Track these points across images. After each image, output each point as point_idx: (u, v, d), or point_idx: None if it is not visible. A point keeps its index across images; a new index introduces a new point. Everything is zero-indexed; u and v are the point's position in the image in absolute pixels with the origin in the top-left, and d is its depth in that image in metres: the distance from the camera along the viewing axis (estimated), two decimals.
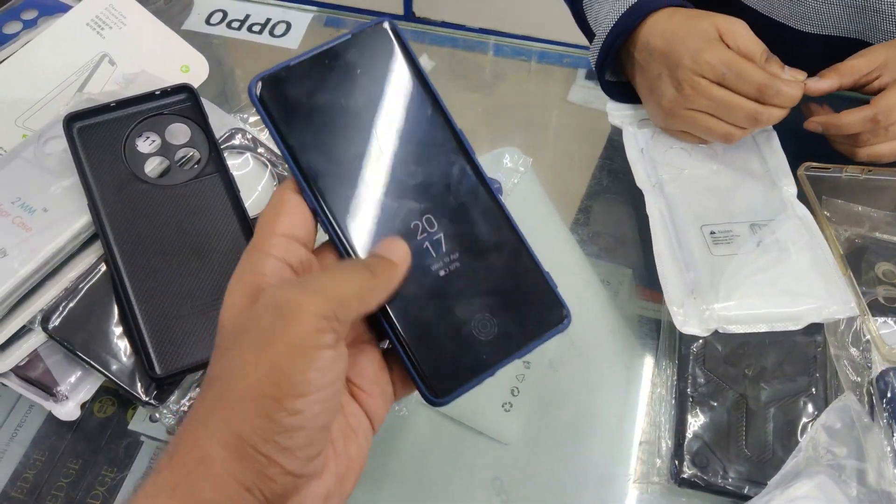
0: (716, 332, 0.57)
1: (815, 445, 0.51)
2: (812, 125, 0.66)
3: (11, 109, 0.71)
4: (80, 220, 0.58)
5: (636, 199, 0.69)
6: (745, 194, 0.66)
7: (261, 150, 0.67)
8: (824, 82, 0.63)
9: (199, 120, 0.62)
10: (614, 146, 0.75)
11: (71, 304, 0.55)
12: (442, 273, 0.37)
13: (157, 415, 0.55)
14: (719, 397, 0.55)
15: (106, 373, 0.54)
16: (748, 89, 0.62)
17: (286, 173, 0.66)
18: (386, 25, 0.39)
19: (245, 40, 0.87)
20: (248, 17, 0.89)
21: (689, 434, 0.53)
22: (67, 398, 0.55)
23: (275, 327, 0.31)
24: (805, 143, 0.68)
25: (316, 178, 0.37)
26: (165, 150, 0.61)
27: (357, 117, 0.38)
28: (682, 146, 0.69)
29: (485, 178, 0.39)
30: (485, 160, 0.72)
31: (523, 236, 0.39)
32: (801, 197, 0.66)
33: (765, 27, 0.63)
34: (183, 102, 0.63)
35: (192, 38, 0.79)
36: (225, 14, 0.89)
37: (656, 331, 0.62)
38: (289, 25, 0.88)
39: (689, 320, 0.58)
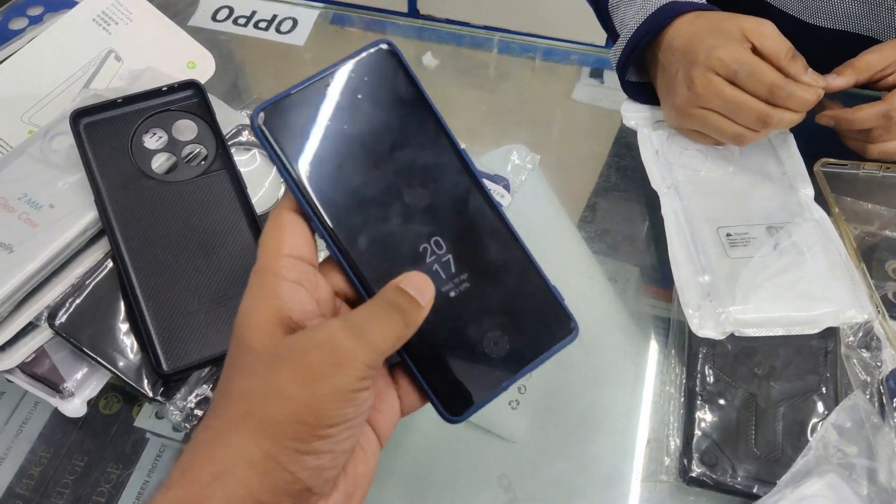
0: None
1: (825, 444, 0.51)
2: (824, 119, 0.65)
3: (17, 105, 0.70)
4: (87, 216, 0.57)
5: (644, 198, 0.69)
6: (761, 196, 0.65)
7: None
8: (841, 79, 0.62)
9: (206, 116, 0.62)
10: (623, 144, 0.75)
11: (77, 301, 0.55)
12: (452, 294, 0.38)
13: (164, 411, 0.55)
14: (728, 395, 0.54)
15: (112, 369, 0.54)
16: (760, 89, 0.61)
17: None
18: (384, 47, 0.39)
19: (251, 37, 0.87)
20: (254, 13, 0.89)
21: (697, 432, 0.53)
22: (74, 395, 0.55)
23: (325, 368, 0.32)
24: (818, 143, 0.68)
25: (322, 205, 0.37)
26: (172, 146, 0.61)
27: (360, 142, 0.38)
28: (697, 148, 0.69)
29: (490, 197, 0.40)
30: (492, 157, 0.71)
31: (530, 252, 0.39)
32: (818, 199, 0.65)
33: (777, 21, 0.63)
34: (190, 98, 0.62)
35: (199, 34, 0.79)
36: (231, 10, 0.89)
37: (664, 328, 0.61)
38: (295, 22, 0.88)
39: (706, 323, 0.57)
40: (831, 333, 0.57)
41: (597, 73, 0.86)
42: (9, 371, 0.54)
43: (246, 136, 0.67)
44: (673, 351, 0.59)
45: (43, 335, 0.55)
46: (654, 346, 0.61)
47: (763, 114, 0.61)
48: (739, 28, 0.62)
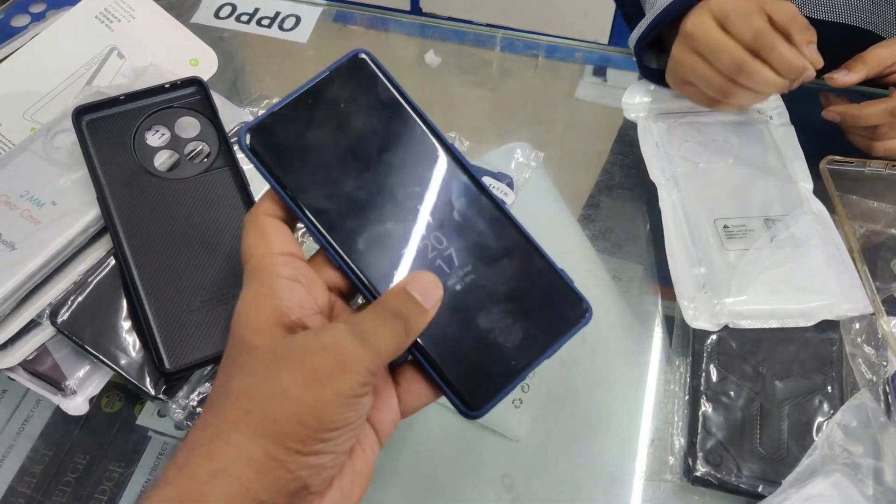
0: (731, 329, 0.57)
1: (831, 444, 0.50)
2: (830, 114, 0.65)
3: (20, 102, 0.70)
4: (89, 213, 0.57)
5: (647, 195, 0.69)
6: (760, 189, 0.65)
7: None
8: (852, 75, 0.62)
9: (208, 113, 0.62)
10: (626, 142, 0.75)
11: (80, 299, 0.55)
12: (458, 287, 0.38)
13: (166, 410, 0.55)
14: (733, 395, 0.54)
15: (115, 367, 0.54)
16: (746, 34, 0.59)
17: None
18: (363, 56, 0.40)
19: (254, 34, 0.87)
20: (257, 10, 0.89)
21: (702, 431, 0.53)
22: (75, 393, 0.55)
23: (330, 372, 0.32)
24: (823, 141, 0.68)
25: (319, 215, 0.37)
26: (175, 143, 0.60)
27: (349, 149, 0.38)
28: (697, 140, 0.69)
29: (484, 187, 0.40)
30: (496, 155, 0.71)
31: (532, 238, 0.39)
32: (818, 192, 0.65)
33: None
34: (192, 96, 0.62)
35: (201, 31, 0.79)
36: (234, 7, 0.89)
37: (668, 327, 0.61)
38: (298, 19, 0.88)
39: (700, 315, 0.57)
40: (836, 331, 0.57)
41: (600, 71, 0.85)
42: (10, 369, 0.54)
43: None
44: (677, 349, 0.59)
45: (45, 333, 0.55)
46: (657, 345, 0.61)
47: (740, 59, 0.59)
48: (759, 3, 0.60)
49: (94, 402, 0.57)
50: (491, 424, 0.57)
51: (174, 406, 0.54)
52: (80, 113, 0.59)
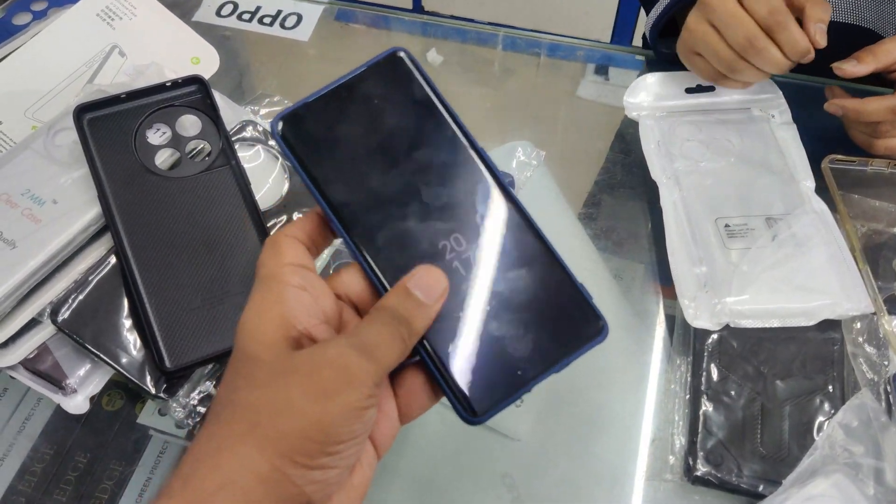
0: (732, 329, 0.57)
1: (832, 443, 0.50)
2: (832, 107, 0.65)
3: (21, 101, 0.70)
4: (90, 212, 0.57)
5: (648, 194, 0.69)
6: (761, 188, 0.65)
7: (272, 142, 0.66)
8: (861, 66, 0.62)
9: (209, 112, 0.62)
10: (627, 140, 0.74)
11: (80, 297, 0.55)
12: (473, 291, 0.37)
13: (167, 408, 0.55)
14: (734, 394, 0.54)
15: (115, 366, 0.54)
16: (762, 9, 0.60)
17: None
18: (401, 54, 0.40)
19: (256, 32, 0.87)
20: (258, 9, 0.89)
21: (702, 431, 0.53)
22: (76, 391, 0.55)
23: (336, 386, 0.32)
24: (825, 141, 0.68)
25: (342, 206, 0.37)
26: (176, 141, 0.60)
27: (378, 146, 0.38)
28: (699, 139, 0.68)
29: (511, 194, 0.39)
30: (497, 153, 0.71)
31: (555, 250, 0.39)
32: (820, 191, 0.65)
33: None
34: (194, 94, 0.62)
35: (203, 29, 0.79)
36: (236, 6, 0.89)
37: (669, 326, 0.61)
38: (300, 17, 0.88)
39: (701, 314, 0.57)
40: (837, 331, 0.57)
41: (602, 70, 0.85)
42: (11, 367, 0.54)
43: (250, 131, 0.66)
44: (678, 349, 0.59)
45: (46, 331, 0.55)
46: (658, 344, 0.61)
47: (752, 34, 0.60)
48: None
49: (95, 400, 0.57)
50: (492, 424, 0.56)
51: (175, 405, 0.54)
52: (81, 111, 0.59)
